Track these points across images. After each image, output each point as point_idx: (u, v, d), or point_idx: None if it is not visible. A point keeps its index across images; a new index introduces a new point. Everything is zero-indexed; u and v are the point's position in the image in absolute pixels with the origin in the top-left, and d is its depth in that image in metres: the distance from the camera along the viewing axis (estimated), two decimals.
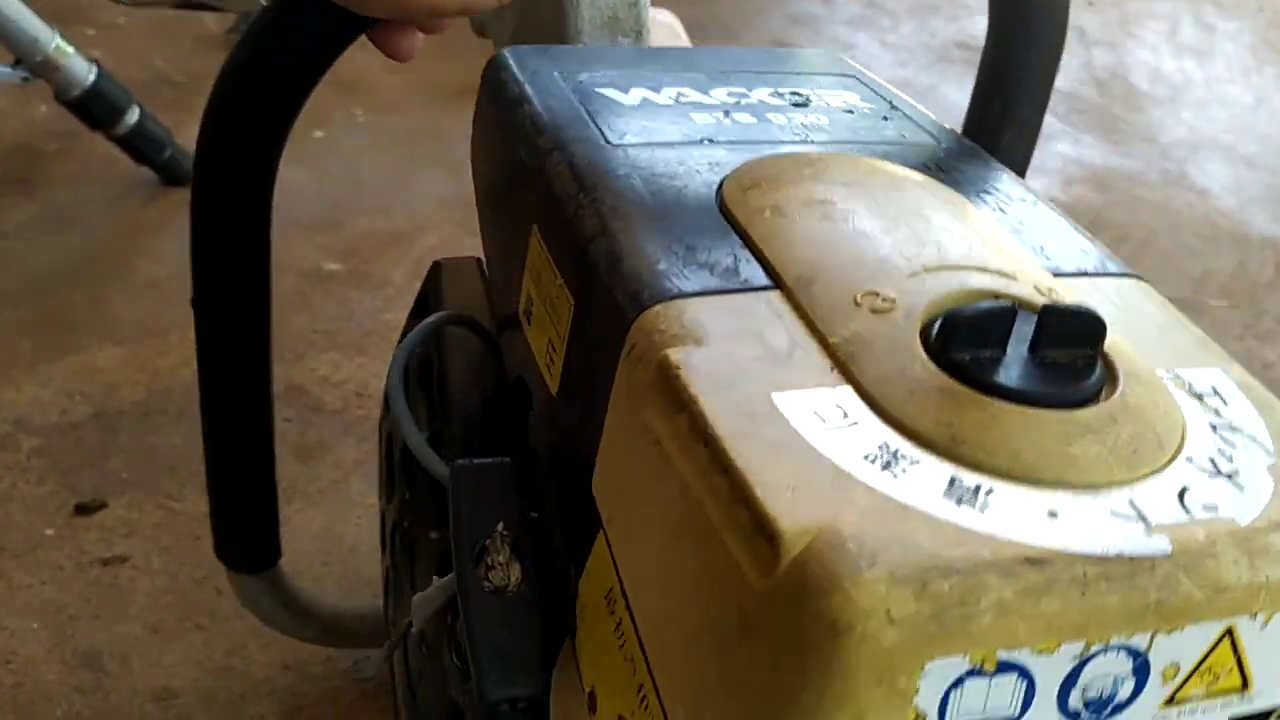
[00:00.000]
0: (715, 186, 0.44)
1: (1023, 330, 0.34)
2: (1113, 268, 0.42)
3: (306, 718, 0.87)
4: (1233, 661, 0.31)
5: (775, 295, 0.38)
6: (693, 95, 0.52)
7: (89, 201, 1.56)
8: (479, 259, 0.62)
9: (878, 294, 0.37)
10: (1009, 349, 0.34)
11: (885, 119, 0.52)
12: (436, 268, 0.61)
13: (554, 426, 0.44)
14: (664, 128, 0.49)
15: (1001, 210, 0.45)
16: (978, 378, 0.33)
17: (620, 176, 0.44)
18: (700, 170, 0.45)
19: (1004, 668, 0.28)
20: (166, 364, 1.23)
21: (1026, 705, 0.29)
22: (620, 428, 0.38)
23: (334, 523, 1.04)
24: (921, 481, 0.31)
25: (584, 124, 0.48)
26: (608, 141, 0.47)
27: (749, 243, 0.40)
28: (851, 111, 0.53)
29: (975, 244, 0.40)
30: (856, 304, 0.37)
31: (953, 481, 0.31)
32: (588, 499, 0.40)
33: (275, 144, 0.53)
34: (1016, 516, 0.30)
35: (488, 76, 0.56)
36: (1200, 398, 0.35)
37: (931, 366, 0.34)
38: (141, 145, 1.53)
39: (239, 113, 0.52)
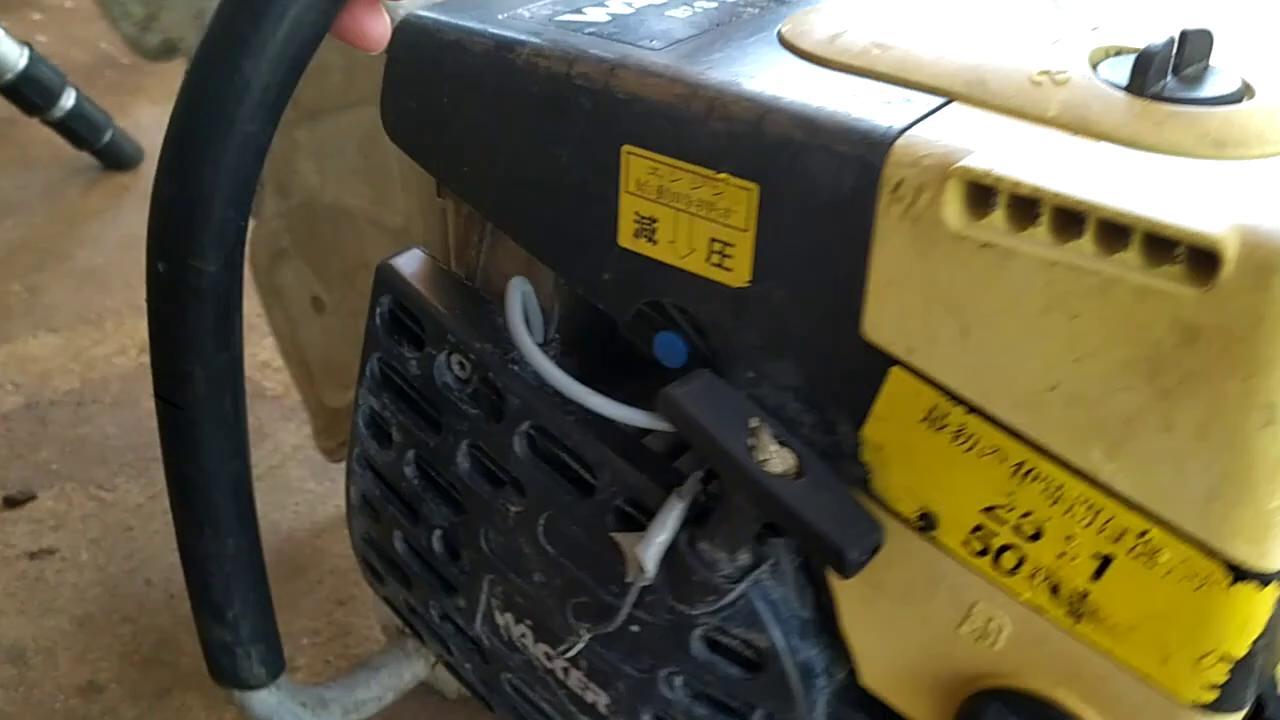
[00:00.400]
0: (789, 53, 0.47)
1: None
2: None
3: (234, 712, 0.83)
4: None
5: (958, 106, 0.42)
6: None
7: (26, 188, 1.53)
8: (425, 251, 0.59)
9: (1048, 71, 0.43)
10: (1168, 76, 0.42)
11: None
12: (387, 269, 0.57)
13: (751, 315, 0.46)
14: (670, 28, 0.50)
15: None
16: (1188, 97, 0.40)
17: (707, 65, 0.46)
18: (763, 33, 0.48)
19: None
20: (101, 352, 1.20)
21: None
22: (906, 264, 0.41)
23: (269, 510, 1.02)
24: (1231, 180, 0.38)
25: (608, 45, 0.48)
26: (653, 48, 0.48)
27: (886, 78, 0.44)
28: None
29: (1063, 15, 0.47)
30: (1036, 83, 0.42)
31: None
32: (852, 348, 0.43)
33: (246, 194, 0.47)
34: None
35: (409, 48, 0.52)
36: None
37: (1146, 101, 0.41)
38: (79, 130, 1.51)
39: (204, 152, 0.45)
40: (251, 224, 0.73)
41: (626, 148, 0.46)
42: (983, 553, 0.43)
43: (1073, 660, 0.43)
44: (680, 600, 0.50)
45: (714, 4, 0.53)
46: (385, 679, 0.76)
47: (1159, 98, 0.41)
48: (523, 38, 0.49)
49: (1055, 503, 0.41)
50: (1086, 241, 0.37)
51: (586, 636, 0.53)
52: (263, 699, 0.63)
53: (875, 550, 0.44)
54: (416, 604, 0.64)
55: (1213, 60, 0.42)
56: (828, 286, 0.43)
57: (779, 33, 0.48)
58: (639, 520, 0.51)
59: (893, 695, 0.50)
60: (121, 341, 1.24)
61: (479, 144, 0.52)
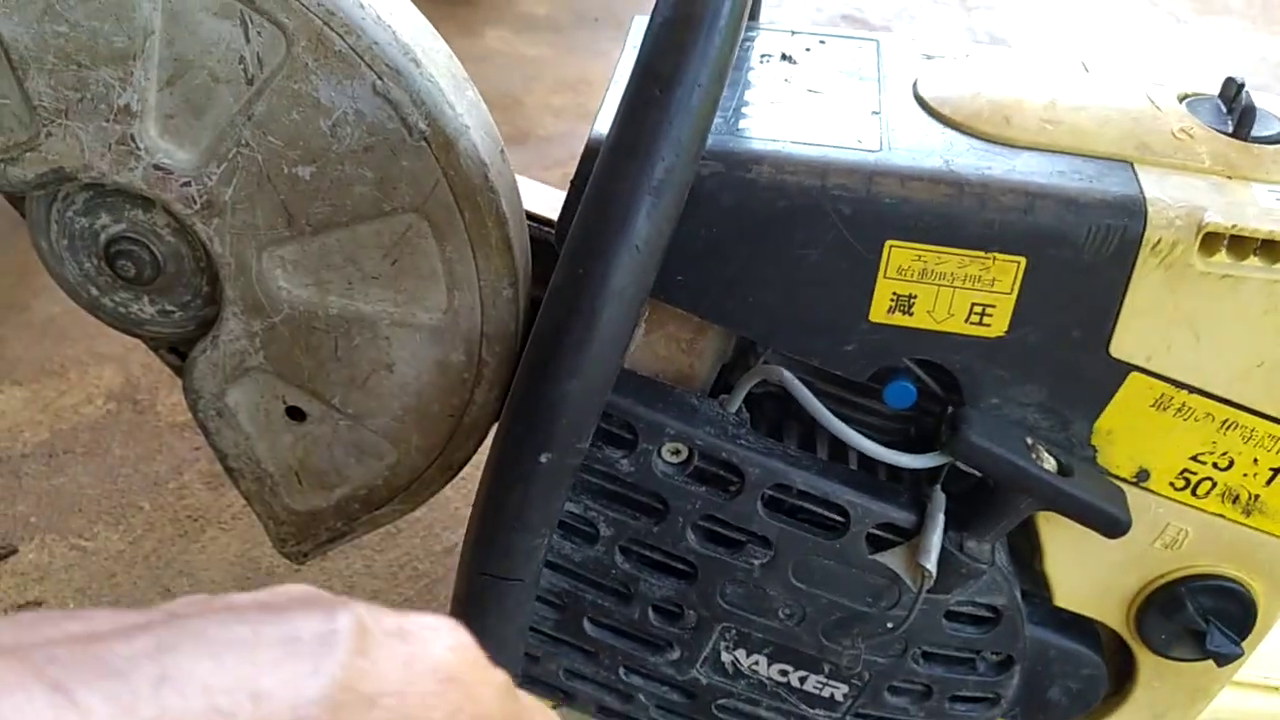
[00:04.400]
0: (973, 138, 0.56)
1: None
2: None
3: None
4: None
5: (1143, 169, 0.55)
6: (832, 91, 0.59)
7: None
8: None
9: (1182, 128, 0.57)
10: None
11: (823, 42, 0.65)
12: None
13: (1004, 356, 0.56)
14: (825, 123, 0.57)
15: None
16: (1270, 137, 0.57)
17: (937, 159, 0.54)
18: (927, 128, 0.57)
19: None
20: (68, 403, 1.20)
21: None
22: (1155, 298, 0.54)
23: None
24: None
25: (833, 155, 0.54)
26: (873, 150, 0.55)
27: (1072, 152, 0.56)
28: (823, 42, 0.64)
29: (1116, 79, 0.61)
30: (1179, 140, 0.56)
31: None
32: (1097, 364, 0.55)
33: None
34: None
35: None
36: None
37: (1249, 144, 0.56)
38: None
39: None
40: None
41: (890, 242, 0.54)
42: (1184, 487, 0.59)
43: (1237, 543, 0.61)
44: (941, 590, 0.60)
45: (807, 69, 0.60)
46: None
47: (1253, 139, 0.57)
48: (752, 153, 0.54)
49: (1248, 440, 0.57)
50: None
51: (862, 646, 0.61)
52: None
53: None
54: (597, 672, 0.67)
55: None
56: (1081, 324, 0.55)
57: (941, 115, 0.57)
58: (892, 540, 0.60)
59: (1084, 607, 0.65)
60: (87, 390, 1.23)
61: (703, 253, 0.56)
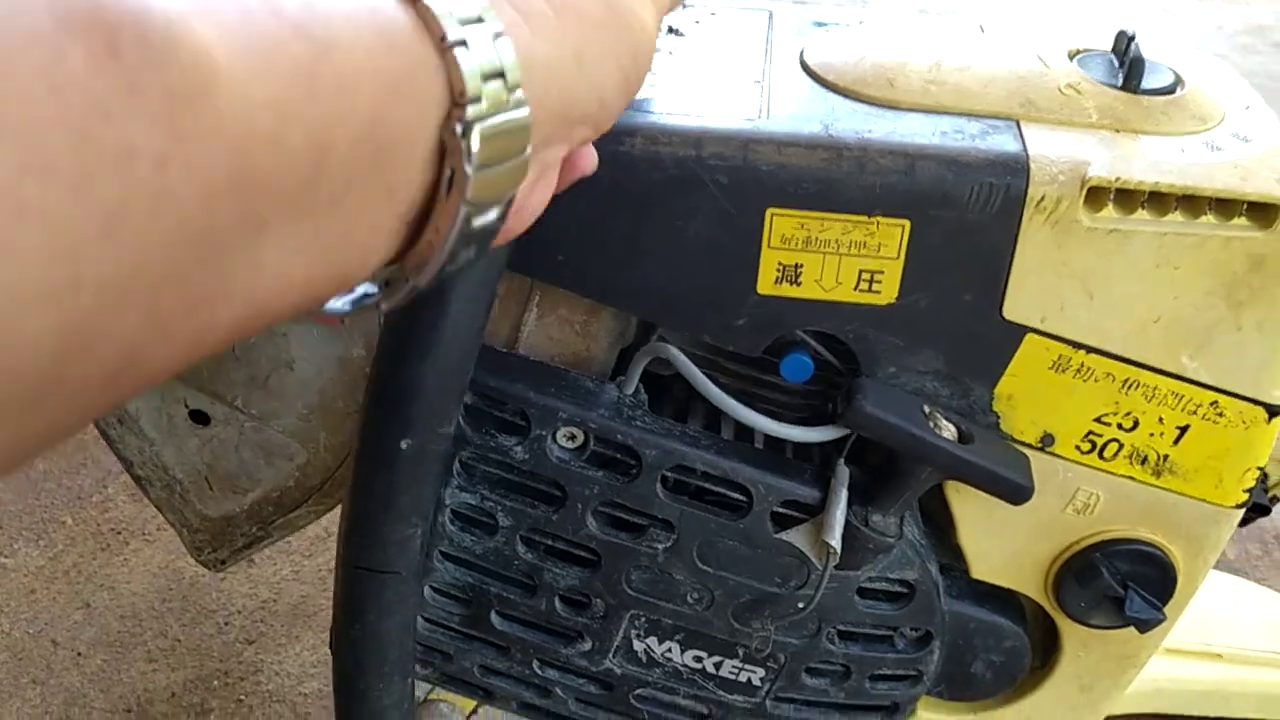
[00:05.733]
0: (857, 102, 0.55)
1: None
2: None
3: None
4: None
5: (1028, 126, 0.54)
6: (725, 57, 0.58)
7: None
8: None
9: (1070, 84, 0.56)
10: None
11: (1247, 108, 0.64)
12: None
13: (897, 322, 0.55)
14: (699, 87, 0.56)
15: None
16: (1161, 88, 0.56)
17: (818, 123, 0.53)
18: (812, 94, 0.55)
19: None
20: None
21: None
22: (1043, 256, 0.52)
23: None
24: (1226, 146, 0.54)
25: (690, 119, 0.53)
26: (751, 120, 0.53)
27: (956, 111, 0.54)
28: (714, 14, 0.63)
29: (1026, 38, 0.59)
30: (1065, 95, 0.55)
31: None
32: (991, 327, 0.54)
33: None
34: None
35: None
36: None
37: (1139, 96, 0.55)
38: None
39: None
40: None
41: (771, 210, 0.52)
42: (1090, 450, 0.58)
43: (1151, 505, 0.60)
44: (849, 567, 0.59)
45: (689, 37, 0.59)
46: None
47: (1142, 91, 0.56)
48: (626, 126, 0.52)
49: (1150, 399, 0.56)
50: (1177, 215, 0.52)
51: (772, 628, 0.60)
52: None
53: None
54: (511, 667, 0.65)
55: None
56: (972, 287, 0.54)
57: (825, 81, 0.56)
58: (797, 518, 0.59)
59: (1000, 578, 0.63)
60: None
61: (582, 232, 0.54)
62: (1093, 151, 0.52)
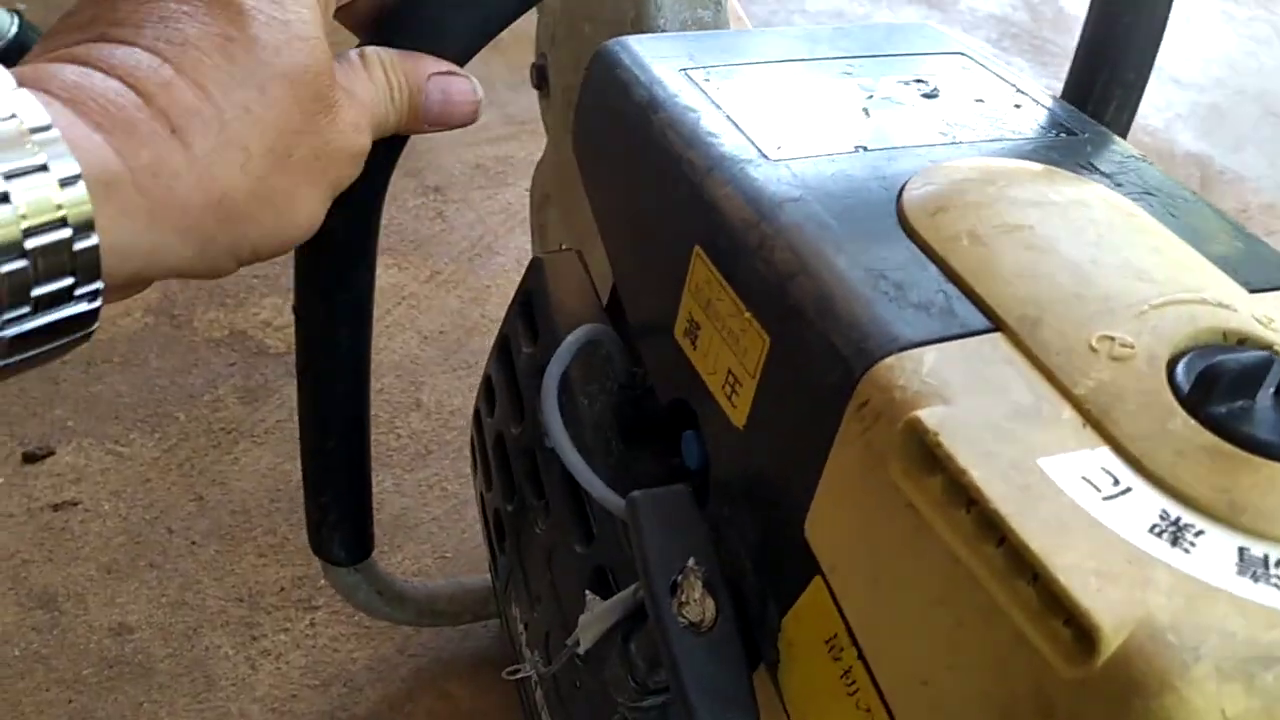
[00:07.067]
0: (892, 205, 0.43)
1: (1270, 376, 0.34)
2: None
3: (260, 648, 0.90)
4: None
5: (1000, 339, 0.37)
6: (825, 90, 0.50)
7: None
8: (576, 251, 0.60)
9: (1113, 338, 0.36)
10: (1257, 397, 0.34)
11: (1018, 107, 0.51)
12: (537, 264, 0.59)
13: (738, 458, 0.44)
14: (815, 132, 0.47)
15: (1171, 215, 0.45)
16: (1244, 434, 0.33)
17: (797, 200, 0.43)
18: (871, 185, 0.44)
19: None
20: (107, 313, 1.22)
21: None
22: (851, 481, 0.37)
23: (281, 460, 1.06)
24: (1213, 555, 0.31)
25: (733, 135, 0.47)
26: (765, 156, 0.45)
27: (952, 276, 0.39)
28: (982, 100, 0.51)
29: (1179, 267, 0.39)
30: (1093, 349, 0.36)
31: (1243, 553, 0.31)
32: (794, 539, 0.40)
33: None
34: None
35: (596, 74, 0.53)
36: None
37: (1192, 423, 0.34)
38: None
39: None
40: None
41: (697, 249, 0.45)
42: None
43: None
44: (608, 684, 0.50)
45: (882, 107, 0.49)
46: (469, 599, 0.81)
47: (1214, 423, 0.34)
48: (667, 99, 0.49)
49: None
50: (998, 555, 0.32)
51: (530, 670, 0.54)
52: (344, 576, 0.70)
53: None
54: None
55: None
56: (794, 465, 0.40)
57: (899, 198, 0.44)
58: (612, 590, 0.51)
59: None
60: (125, 303, 1.25)
61: (617, 189, 0.52)
62: (990, 407, 0.35)
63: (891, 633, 0.36)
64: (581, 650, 0.48)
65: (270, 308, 1.26)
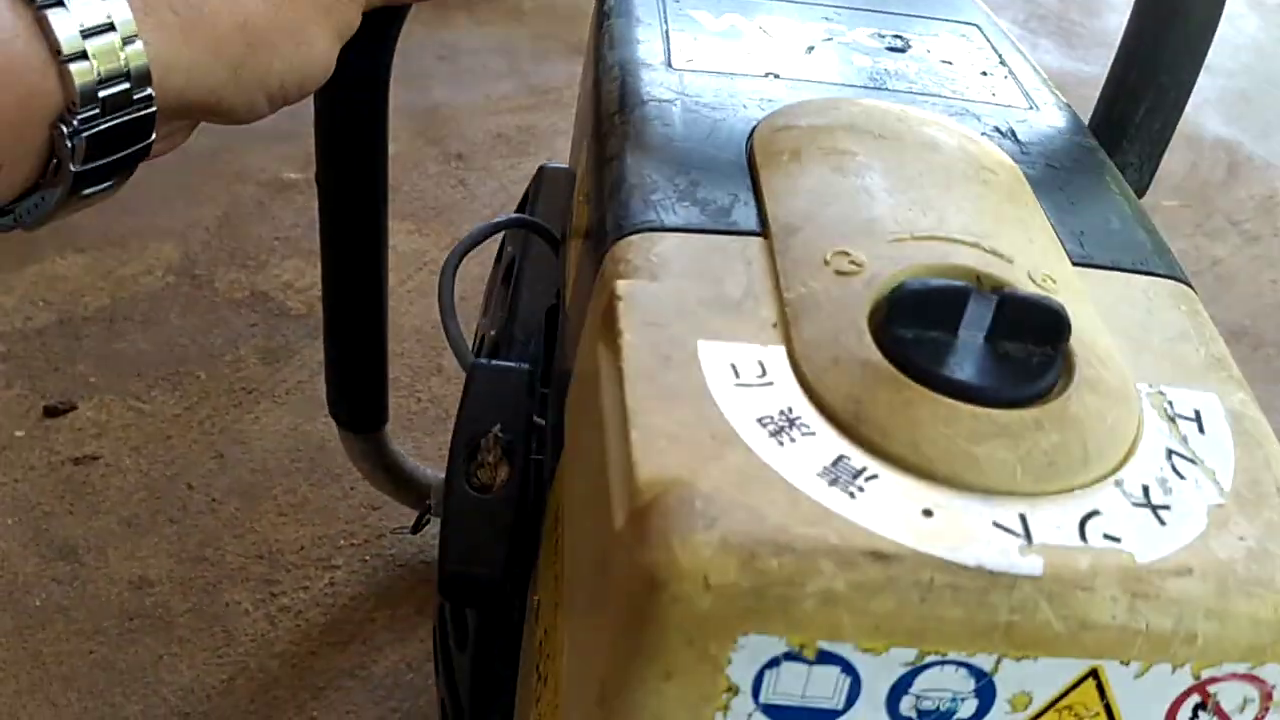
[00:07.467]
0: (753, 123, 0.43)
1: (983, 316, 0.32)
2: (1156, 266, 0.38)
3: (279, 605, 0.90)
4: (1099, 705, 0.28)
5: (757, 243, 0.37)
6: (783, 26, 0.50)
7: None
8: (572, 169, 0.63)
9: (848, 254, 0.35)
10: (962, 333, 0.32)
11: (984, 74, 0.49)
12: (540, 172, 0.62)
13: (565, 343, 0.45)
14: (734, 56, 0.47)
15: (1059, 189, 0.42)
16: (905, 358, 0.31)
17: (662, 101, 0.44)
18: (747, 105, 0.44)
19: (826, 658, 0.27)
20: (129, 272, 1.23)
21: (851, 700, 0.28)
22: (585, 350, 0.38)
23: (302, 421, 1.06)
24: (807, 454, 0.30)
25: (655, 44, 0.48)
26: (669, 64, 0.46)
27: (756, 185, 0.39)
28: (951, 62, 0.49)
29: (987, 219, 0.37)
30: (825, 262, 0.35)
31: (838, 460, 0.30)
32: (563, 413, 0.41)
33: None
34: (887, 507, 0.28)
35: None
36: (1173, 420, 0.32)
37: (866, 339, 0.32)
38: None
39: None
40: None
41: (585, 142, 0.47)
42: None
43: None
44: None
45: (831, 50, 0.48)
46: None
47: (883, 343, 0.32)
48: (625, 7, 0.50)
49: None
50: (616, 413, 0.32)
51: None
52: (356, 442, 0.76)
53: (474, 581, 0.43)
54: None
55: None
56: (575, 341, 0.41)
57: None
58: None
59: None
60: (148, 262, 1.25)
61: (584, 85, 0.54)
62: (676, 282, 0.35)
63: (572, 499, 0.37)
64: (432, 510, 0.51)
65: (292, 270, 1.26)
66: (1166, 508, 0.29)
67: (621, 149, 0.41)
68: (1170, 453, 0.31)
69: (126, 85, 0.33)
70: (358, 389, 0.72)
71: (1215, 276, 1.43)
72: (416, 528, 0.78)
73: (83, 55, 0.32)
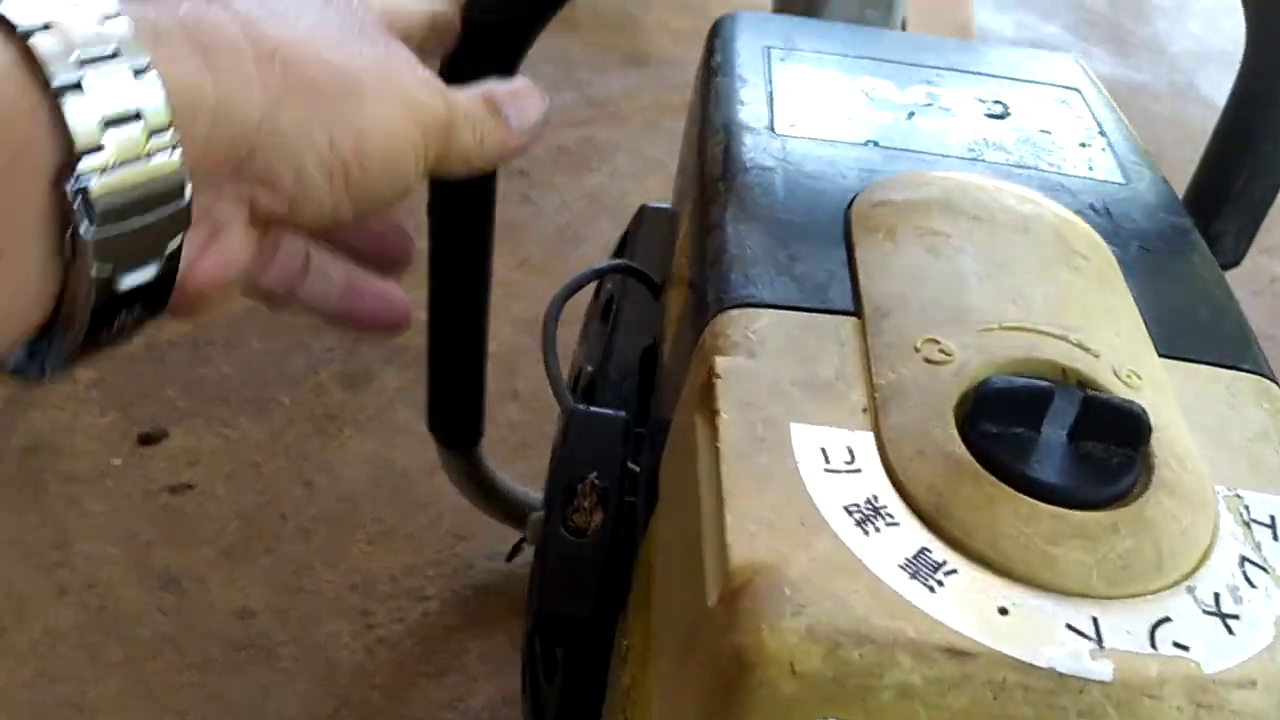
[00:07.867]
0: (851, 195, 0.44)
1: (1067, 411, 0.34)
2: (1242, 361, 0.39)
3: (377, 636, 0.91)
4: None
5: (850, 323, 0.39)
6: (886, 89, 0.52)
7: None
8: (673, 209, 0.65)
9: (938, 343, 0.37)
10: (1045, 430, 0.34)
11: (1083, 145, 0.50)
12: (641, 211, 0.64)
13: (661, 389, 0.47)
14: (836, 122, 0.49)
15: (1150, 274, 0.42)
16: (988, 453, 0.33)
17: (765, 169, 0.45)
18: (846, 175, 0.46)
19: None
20: None
21: None
22: (682, 418, 0.40)
23: (383, 448, 1.06)
24: (891, 544, 0.31)
25: (759, 106, 0.49)
26: (773, 128, 0.48)
27: (851, 262, 0.41)
28: (1049, 131, 0.50)
29: (1075, 309, 0.38)
30: (916, 349, 0.37)
31: (919, 553, 0.31)
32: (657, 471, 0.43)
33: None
34: (965, 603, 0.30)
35: (709, 38, 0.57)
36: (1248, 525, 0.33)
37: (952, 431, 0.34)
38: None
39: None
40: None
41: (688, 203, 0.49)
42: None
43: None
44: None
45: (932, 116, 0.49)
46: None
47: (969, 438, 0.34)
48: (730, 66, 0.52)
49: None
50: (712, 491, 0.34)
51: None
52: (451, 458, 0.80)
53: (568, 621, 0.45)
54: None
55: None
56: (674, 403, 0.43)
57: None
58: None
59: None
60: None
61: (688, 139, 0.56)
62: (772, 361, 0.37)
63: (664, 551, 0.39)
64: (527, 543, 0.54)
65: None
66: (1236, 617, 0.31)
67: (723, 217, 0.43)
68: (1243, 559, 0.32)
69: (140, 124, 0.27)
70: (457, 408, 0.75)
71: (1275, 294, 1.40)
72: (511, 556, 0.81)
73: (76, 86, 0.26)
